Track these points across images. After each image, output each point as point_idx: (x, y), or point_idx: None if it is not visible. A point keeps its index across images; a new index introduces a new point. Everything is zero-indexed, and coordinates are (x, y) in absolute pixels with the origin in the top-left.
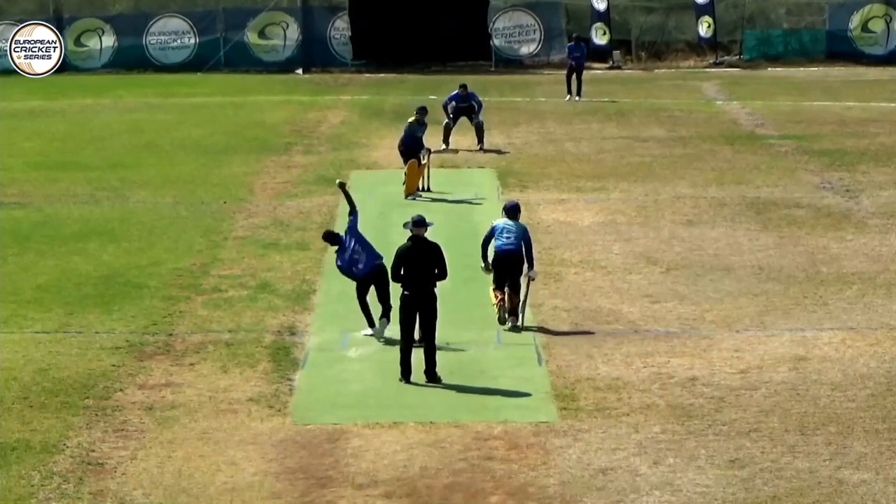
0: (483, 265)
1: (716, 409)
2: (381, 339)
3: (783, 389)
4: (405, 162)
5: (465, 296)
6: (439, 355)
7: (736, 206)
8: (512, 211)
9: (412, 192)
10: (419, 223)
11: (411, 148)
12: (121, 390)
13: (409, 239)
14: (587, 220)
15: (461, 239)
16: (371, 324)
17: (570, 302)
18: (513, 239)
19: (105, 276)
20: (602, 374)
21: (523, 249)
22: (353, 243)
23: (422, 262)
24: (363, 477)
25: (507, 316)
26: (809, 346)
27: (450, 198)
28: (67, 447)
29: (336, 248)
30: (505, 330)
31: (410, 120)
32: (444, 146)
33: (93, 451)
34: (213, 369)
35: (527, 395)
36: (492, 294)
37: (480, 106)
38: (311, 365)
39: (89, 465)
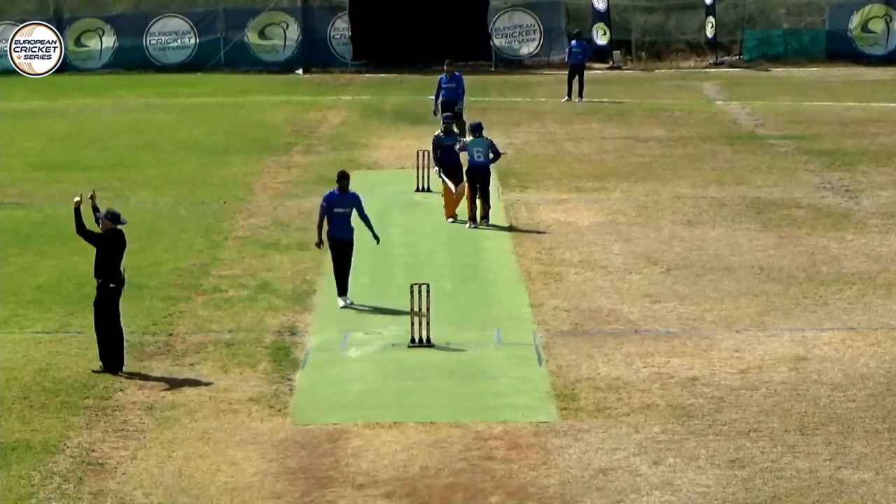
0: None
1: (716, 409)
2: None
3: (783, 389)
4: (455, 184)
5: (464, 296)
6: (441, 355)
7: (736, 206)
8: (475, 129)
9: (451, 215)
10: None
11: (455, 164)
12: (121, 390)
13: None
14: (587, 220)
15: (461, 239)
16: None
17: (570, 302)
18: (482, 156)
19: None
20: (602, 374)
21: (489, 161)
22: None
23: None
24: (363, 477)
25: (479, 219)
26: (809, 346)
27: None
28: (67, 447)
29: None
30: (469, 227)
31: (437, 133)
32: None
33: (93, 451)
34: (214, 369)
35: (527, 395)
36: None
37: (464, 91)
38: (311, 365)
39: (89, 465)
